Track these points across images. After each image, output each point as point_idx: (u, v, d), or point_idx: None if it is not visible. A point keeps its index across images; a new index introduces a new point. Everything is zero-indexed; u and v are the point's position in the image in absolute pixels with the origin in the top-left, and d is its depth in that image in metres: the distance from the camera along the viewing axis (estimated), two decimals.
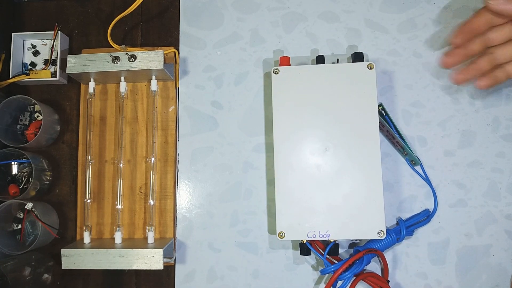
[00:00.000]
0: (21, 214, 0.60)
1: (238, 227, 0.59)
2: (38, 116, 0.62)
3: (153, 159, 0.59)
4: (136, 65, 0.56)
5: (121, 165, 0.59)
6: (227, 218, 0.59)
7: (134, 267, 0.53)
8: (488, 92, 0.59)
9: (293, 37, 0.62)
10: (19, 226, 0.60)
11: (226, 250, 0.59)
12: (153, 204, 0.58)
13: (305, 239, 0.52)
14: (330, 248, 0.53)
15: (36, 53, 0.63)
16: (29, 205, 0.56)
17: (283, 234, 0.52)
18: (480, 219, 0.57)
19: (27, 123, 0.62)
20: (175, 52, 0.61)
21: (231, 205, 0.59)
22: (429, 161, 0.58)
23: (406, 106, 0.59)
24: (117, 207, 0.58)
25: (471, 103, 0.59)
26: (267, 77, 0.61)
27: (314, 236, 0.52)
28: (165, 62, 0.57)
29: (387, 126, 0.56)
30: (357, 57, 0.56)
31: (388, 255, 0.56)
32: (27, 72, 0.62)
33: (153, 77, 0.59)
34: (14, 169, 0.61)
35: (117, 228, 0.57)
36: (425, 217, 0.56)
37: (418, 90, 0.60)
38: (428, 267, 0.56)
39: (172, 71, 0.61)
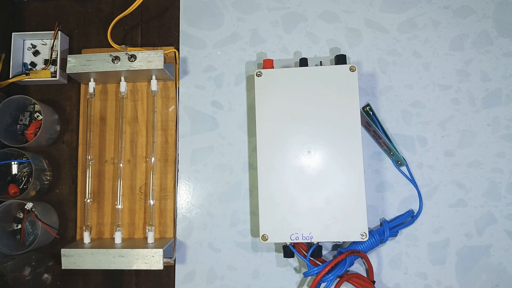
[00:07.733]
0: (21, 214, 0.60)
1: (238, 227, 0.59)
2: (38, 116, 0.62)
3: (153, 159, 0.59)
4: (136, 65, 0.56)
5: (121, 165, 0.59)
6: (227, 218, 0.59)
7: (134, 267, 0.53)
8: (488, 92, 0.59)
9: (293, 37, 0.62)
10: (19, 226, 0.60)
11: (226, 250, 0.59)
12: (153, 204, 0.58)
13: (288, 241, 0.52)
14: (313, 250, 0.53)
15: (36, 53, 0.63)
16: (29, 205, 0.56)
17: (266, 237, 0.52)
18: (480, 219, 0.57)
19: (27, 123, 0.61)
20: (175, 52, 0.61)
21: (231, 205, 0.59)
22: (429, 161, 0.58)
23: (406, 106, 0.59)
24: (117, 207, 0.58)
25: (471, 103, 0.59)
26: None
27: (297, 238, 0.52)
28: (165, 62, 0.57)
29: (374, 126, 0.56)
30: (340, 59, 0.56)
31: (387, 255, 0.56)
32: (27, 72, 0.62)
33: (153, 77, 0.59)
34: (14, 169, 0.61)
35: (117, 228, 0.57)
36: (409, 217, 0.56)
37: (418, 90, 0.60)
38: (428, 267, 0.56)
39: (172, 71, 0.61)
